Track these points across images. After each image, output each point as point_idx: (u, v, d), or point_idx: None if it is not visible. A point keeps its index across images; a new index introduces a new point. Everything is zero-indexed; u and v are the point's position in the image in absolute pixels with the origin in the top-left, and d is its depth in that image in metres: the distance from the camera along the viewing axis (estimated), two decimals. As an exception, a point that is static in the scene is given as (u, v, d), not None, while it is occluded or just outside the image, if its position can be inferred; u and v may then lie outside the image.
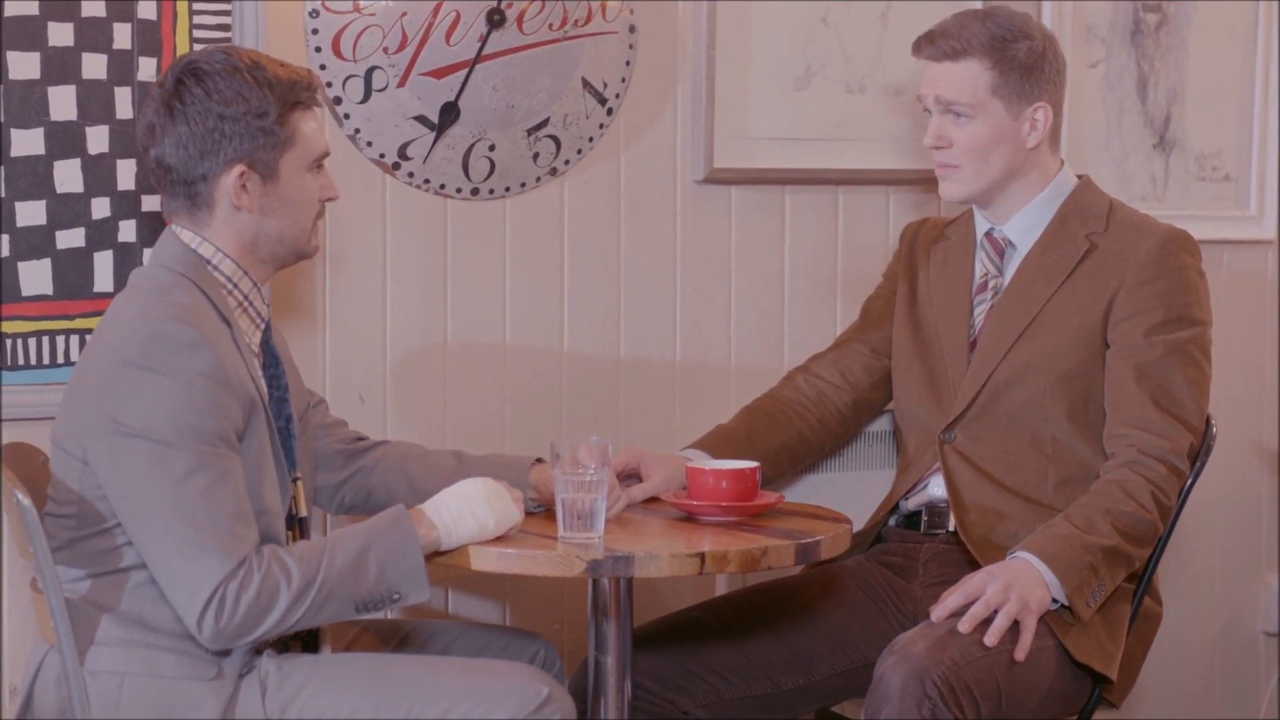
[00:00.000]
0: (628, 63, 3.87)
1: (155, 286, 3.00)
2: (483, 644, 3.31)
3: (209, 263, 3.04)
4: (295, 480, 3.13)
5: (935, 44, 3.54)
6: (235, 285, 3.05)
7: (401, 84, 3.67)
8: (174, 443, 2.85)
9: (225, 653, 2.94)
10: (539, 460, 3.37)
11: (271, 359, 3.13)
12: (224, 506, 2.87)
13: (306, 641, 3.13)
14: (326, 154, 3.11)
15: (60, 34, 3.40)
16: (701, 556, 3.04)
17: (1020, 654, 3.20)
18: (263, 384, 3.06)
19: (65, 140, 3.41)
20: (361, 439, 3.40)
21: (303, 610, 2.89)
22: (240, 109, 2.99)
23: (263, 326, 3.11)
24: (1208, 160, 4.54)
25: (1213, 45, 4.51)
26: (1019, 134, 3.53)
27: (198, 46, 3.46)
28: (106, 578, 2.96)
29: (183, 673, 2.93)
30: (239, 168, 3.01)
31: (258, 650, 2.99)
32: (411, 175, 3.74)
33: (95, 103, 3.43)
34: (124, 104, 3.45)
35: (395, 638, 3.33)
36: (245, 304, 3.07)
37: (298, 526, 3.13)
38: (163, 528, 2.86)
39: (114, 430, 2.88)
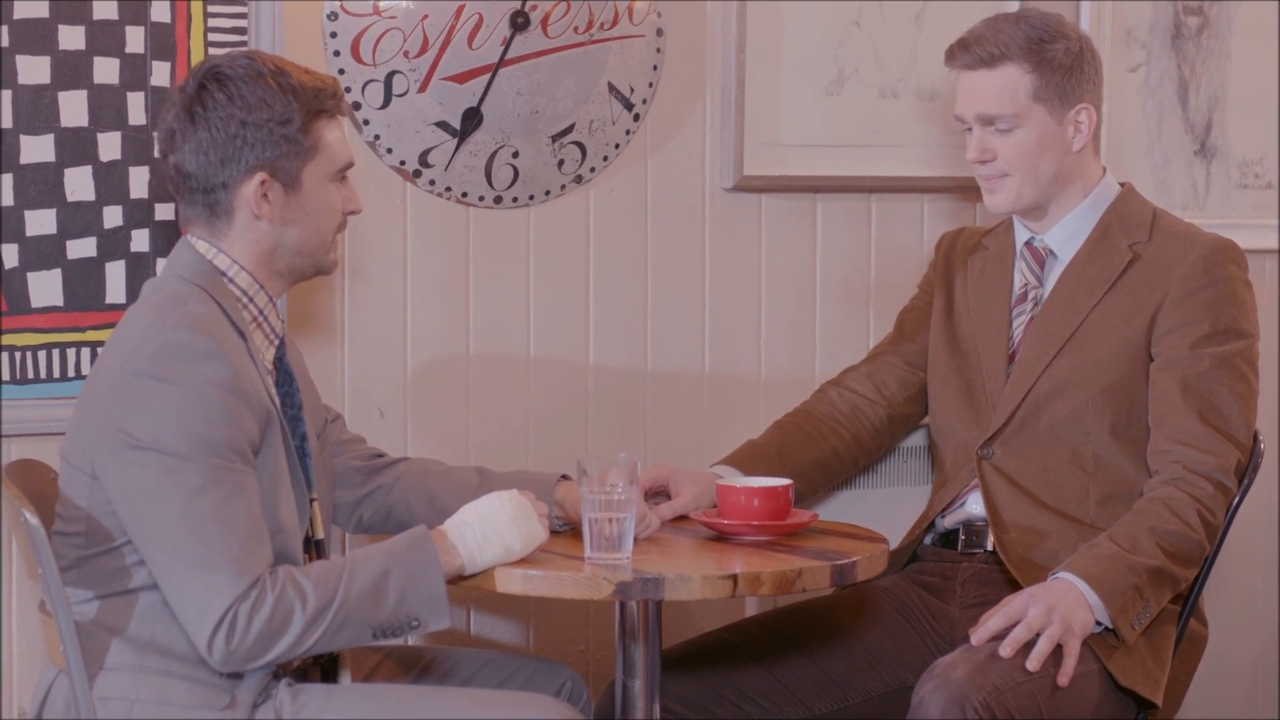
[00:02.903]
0: (655, 67, 3.84)
1: (168, 296, 2.94)
2: (508, 673, 3.25)
3: (224, 274, 2.99)
4: (312, 501, 3.07)
5: (970, 51, 3.50)
6: (251, 299, 3.00)
7: (422, 89, 3.63)
8: (185, 455, 2.80)
9: (239, 681, 2.88)
10: (564, 477, 3.32)
11: (285, 376, 3.08)
12: (237, 523, 2.81)
13: (326, 668, 3.07)
14: (350, 165, 3.06)
15: (71, 37, 3.36)
16: (734, 578, 2.99)
17: (1063, 679, 3.15)
18: (277, 400, 2.99)
19: (76, 147, 3.38)
20: (380, 455, 3.35)
21: (317, 635, 2.83)
22: (264, 116, 2.94)
23: (277, 343, 3.05)
24: (1250, 167, 4.50)
25: (1255, 49, 4.47)
26: (1064, 138, 3.49)
27: (213, 50, 3.43)
28: (116, 599, 2.90)
29: (194, 701, 2.87)
30: (260, 176, 2.96)
31: (275, 676, 2.93)
32: (433, 183, 3.69)
33: (107, 108, 3.40)
34: (137, 109, 3.41)
35: (417, 666, 3.28)
36: (260, 319, 3.01)
37: (314, 549, 3.07)
38: (173, 545, 2.80)
39: (123, 443, 2.82)
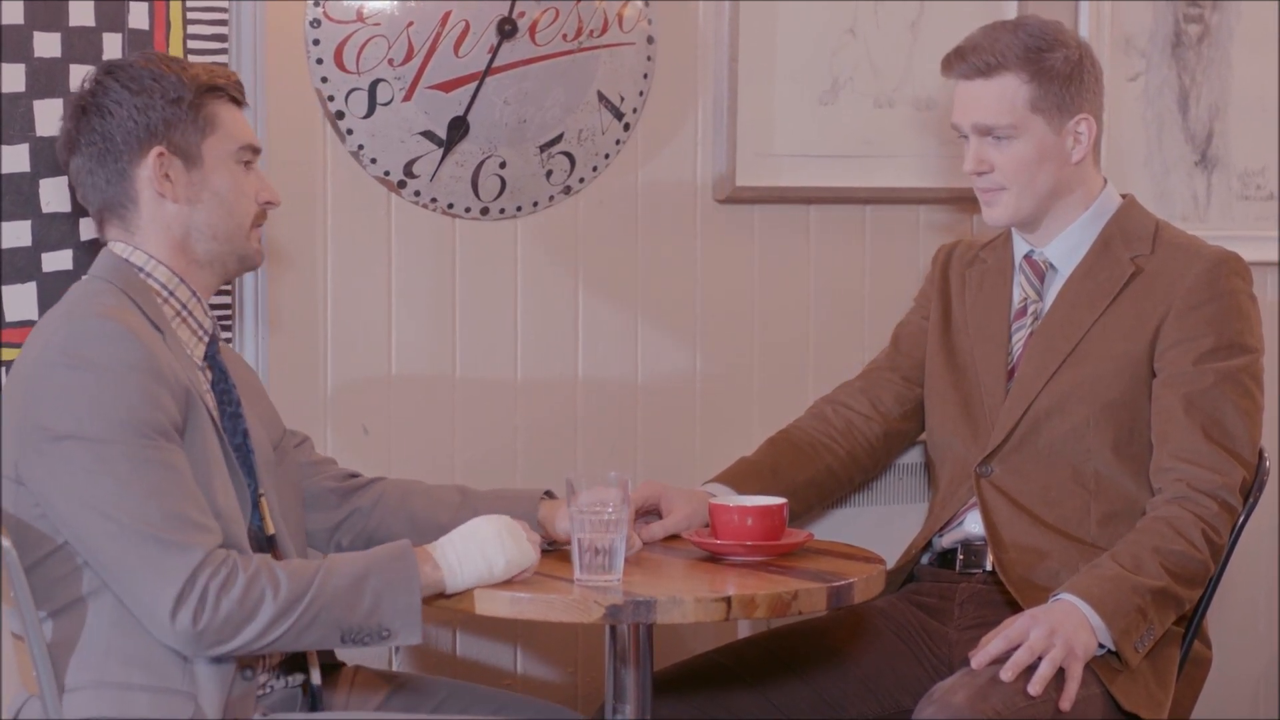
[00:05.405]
0: (645, 75, 3.80)
1: (80, 295, 2.94)
2: (502, 707, 3.18)
3: (141, 270, 2.97)
4: (261, 496, 3.02)
5: (966, 60, 3.47)
6: (171, 293, 2.97)
7: (407, 98, 3.60)
8: (110, 440, 2.75)
9: (200, 688, 2.81)
10: (548, 494, 3.27)
11: (220, 374, 3.03)
12: (174, 500, 2.77)
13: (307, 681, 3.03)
14: (255, 149, 3.04)
15: (47, 44, 3.33)
16: (728, 601, 2.94)
17: (1066, 703, 3.11)
18: (210, 395, 2.96)
19: (52, 157, 3.32)
20: (355, 476, 3.30)
21: (285, 626, 2.78)
22: (155, 94, 2.94)
23: (206, 340, 3.00)
24: (1251, 178, 4.48)
25: (1257, 58, 4.45)
26: (1063, 149, 3.45)
27: (192, 57, 3.40)
28: (66, 613, 2.84)
29: (158, 713, 2.80)
30: (157, 149, 2.94)
31: (258, 699, 2.86)
32: (418, 194, 3.65)
33: (84, 117, 3.34)
34: (114, 119, 3.35)
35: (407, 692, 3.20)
36: (184, 313, 2.98)
37: (268, 545, 3.02)
38: (116, 532, 2.75)
39: (44, 437, 2.78)
